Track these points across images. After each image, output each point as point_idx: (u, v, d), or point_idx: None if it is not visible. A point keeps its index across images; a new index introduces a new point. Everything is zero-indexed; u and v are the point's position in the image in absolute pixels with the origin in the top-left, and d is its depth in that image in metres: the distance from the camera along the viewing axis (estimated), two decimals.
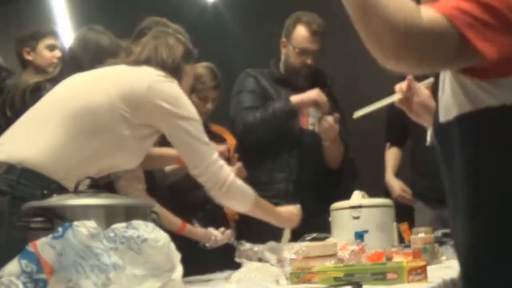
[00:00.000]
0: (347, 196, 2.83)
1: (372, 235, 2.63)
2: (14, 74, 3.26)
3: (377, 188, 3.37)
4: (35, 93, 2.57)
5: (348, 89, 3.92)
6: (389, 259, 2.26)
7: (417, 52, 1.17)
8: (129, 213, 1.43)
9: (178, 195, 2.86)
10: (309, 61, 3.31)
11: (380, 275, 1.69)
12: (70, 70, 2.58)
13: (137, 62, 2.20)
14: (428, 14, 1.18)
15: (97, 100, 2.04)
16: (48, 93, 2.19)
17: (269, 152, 3.23)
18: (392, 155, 3.52)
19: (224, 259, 2.49)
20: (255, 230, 2.67)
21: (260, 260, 2.27)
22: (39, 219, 1.38)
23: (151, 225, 1.15)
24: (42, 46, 3.32)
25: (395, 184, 3.45)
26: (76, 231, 1.07)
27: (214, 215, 2.96)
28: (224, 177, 2.19)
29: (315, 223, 2.80)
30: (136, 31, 3.00)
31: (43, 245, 1.06)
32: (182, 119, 2.11)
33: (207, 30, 5.10)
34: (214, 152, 2.20)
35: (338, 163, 3.35)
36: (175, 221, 2.49)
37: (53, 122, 2.00)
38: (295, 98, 3.19)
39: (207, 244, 2.61)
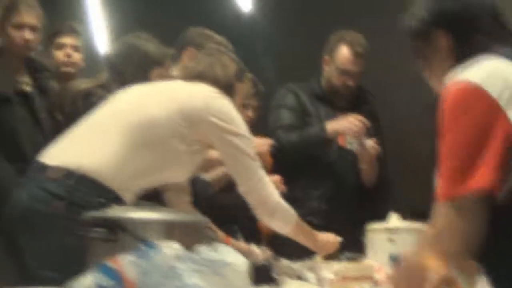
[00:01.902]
0: (380, 216, 2.83)
1: None
2: (56, 74, 3.32)
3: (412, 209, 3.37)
4: (87, 99, 2.61)
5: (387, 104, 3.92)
6: None
7: None
8: (187, 229, 1.47)
9: (215, 206, 2.87)
10: (350, 82, 3.36)
11: None
12: (114, 77, 2.64)
13: (192, 78, 2.27)
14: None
15: (156, 115, 2.11)
16: (106, 102, 2.26)
17: (304, 169, 3.28)
18: None
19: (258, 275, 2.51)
20: (287, 246, 2.68)
21: (299, 278, 2.31)
22: (101, 229, 1.41)
23: (232, 250, 1.17)
24: (53, 46, 3.39)
25: None
26: (161, 252, 1.09)
27: (249, 229, 2.98)
28: (270, 197, 2.24)
29: (347, 242, 2.82)
30: (180, 41, 3.08)
31: (126, 263, 1.08)
32: (234, 136, 2.17)
33: (241, 39, 5.16)
34: (262, 170, 2.24)
35: (373, 183, 3.36)
36: (219, 234, 2.51)
37: (112, 132, 2.07)
38: (331, 126, 3.24)
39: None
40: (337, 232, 3.12)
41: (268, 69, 4.54)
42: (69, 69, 3.38)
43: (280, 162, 3.24)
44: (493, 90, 1.47)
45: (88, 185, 1.97)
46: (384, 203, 3.30)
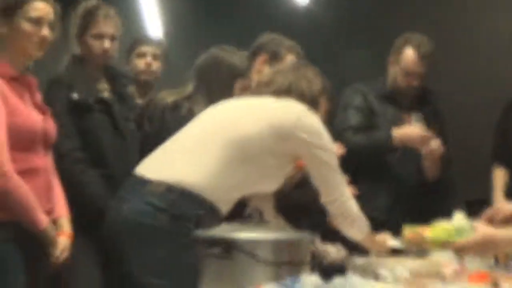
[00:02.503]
0: (445, 213, 2.97)
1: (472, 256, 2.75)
2: (134, 80, 3.48)
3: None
4: (175, 111, 2.73)
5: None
6: (495, 284, 2.43)
7: None
8: (293, 246, 1.66)
9: (290, 204, 3.02)
10: (415, 83, 3.48)
11: None
12: (201, 89, 2.78)
13: (280, 92, 2.40)
14: None
15: (250, 132, 2.27)
16: (201, 117, 2.43)
17: (370, 168, 3.42)
18: (499, 176, 3.48)
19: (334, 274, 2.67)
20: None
21: (375, 276, 2.47)
22: (216, 249, 1.61)
23: (360, 277, 1.37)
24: (133, 54, 3.55)
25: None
26: (303, 283, 1.29)
27: (321, 223, 3.14)
28: (351, 210, 2.40)
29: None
30: (254, 46, 3.21)
31: None
32: (322, 150, 2.32)
33: (298, 33, 5.23)
34: (344, 182, 2.40)
35: (436, 181, 3.50)
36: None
37: (210, 149, 2.25)
38: (398, 134, 3.37)
39: (324, 262, 2.75)
40: (401, 227, 3.30)
41: (327, 66, 4.69)
42: (148, 77, 3.55)
43: (347, 162, 3.42)
44: None
45: (188, 199, 2.15)
46: (446, 200, 3.46)
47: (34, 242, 2.23)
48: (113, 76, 2.99)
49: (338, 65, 4.47)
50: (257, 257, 1.59)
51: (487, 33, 4.02)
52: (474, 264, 2.60)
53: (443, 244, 2.09)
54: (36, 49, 2.34)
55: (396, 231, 3.22)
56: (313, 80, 2.48)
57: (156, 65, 3.57)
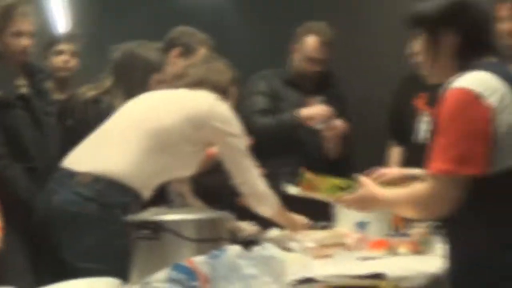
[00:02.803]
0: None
1: (372, 225, 3.05)
2: (51, 76, 3.58)
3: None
4: (96, 105, 2.90)
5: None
6: (393, 249, 2.75)
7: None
8: (213, 224, 1.90)
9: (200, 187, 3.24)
10: (317, 68, 3.78)
11: None
12: (119, 83, 2.95)
13: (193, 85, 2.65)
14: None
15: (167, 122, 2.50)
16: (121, 110, 2.63)
17: (277, 148, 3.69)
18: (394, 152, 3.85)
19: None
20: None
21: (284, 248, 2.74)
22: (146, 231, 1.83)
23: (274, 247, 1.62)
24: (51, 52, 3.70)
25: None
26: (227, 252, 1.53)
27: (232, 205, 3.38)
28: (259, 187, 2.66)
29: (319, 212, 3.25)
30: (166, 41, 3.41)
31: (200, 262, 1.51)
32: (233, 137, 2.58)
33: (212, 26, 5.43)
34: (253, 164, 2.65)
35: (338, 159, 3.82)
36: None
37: (131, 140, 2.46)
38: (302, 113, 3.66)
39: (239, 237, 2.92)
40: (308, 203, 3.57)
41: (238, 56, 4.91)
42: (65, 74, 3.71)
43: (255, 143, 3.68)
44: (486, 95, 1.84)
45: (114, 188, 2.36)
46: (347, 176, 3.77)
47: None
48: (31, 72, 3.09)
49: (241, 53, 4.76)
50: (182, 236, 1.81)
51: (381, 20, 4.38)
52: (374, 233, 2.97)
53: (331, 195, 2.30)
54: None
55: (306, 209, 3.53)
56: (223, 71, 2.74)
57: (73, 62, 3.73)
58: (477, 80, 1.87)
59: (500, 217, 1.86)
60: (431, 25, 1.99)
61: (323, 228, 3.13)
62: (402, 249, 2.78)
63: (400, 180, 2.35)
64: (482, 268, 1.85)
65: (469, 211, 1.86)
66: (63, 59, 3.69)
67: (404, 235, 2.91)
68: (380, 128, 4.02)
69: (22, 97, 2.95)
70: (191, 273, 1.50)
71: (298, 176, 2.45)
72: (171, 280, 1.51)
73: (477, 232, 1.87)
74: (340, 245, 2.86)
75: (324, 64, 3.80)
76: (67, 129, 2.98)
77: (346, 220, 3.09)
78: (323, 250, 2.72)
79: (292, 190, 2.54)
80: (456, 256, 1.93)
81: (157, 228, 1.85)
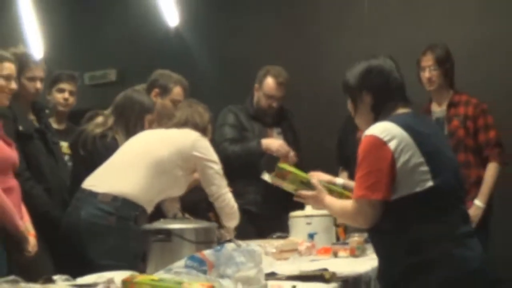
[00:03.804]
0: (301, 206, 3.85)
1: (319, 236, 3.75)
2: (53, 112, 4.33)
3: None
4: (103, 139, 3.59)
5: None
6: (335, 254, 3.54)
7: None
8: (207, 231, 2.71)
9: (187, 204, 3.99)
10: (274, 104, 4.60)
11: None
12: (120, 122, 3.65)
13: (179, 125, 3.46)
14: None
15: (163, 155, 3.30)
16: (128, 146, 3.41)
17: (243, 170, 4.39)
18: (342, 176, 4.33)
19: None
20: None
21: None
22: (161, 236, 2.63)
23: (254, 244, 2.42)
24: (55, 89, 4.38)
25: None
26: (226, 247, 2.32)
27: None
28: (229, 203, 3.45)
29: (276, 225, 4.06)
30: (148, 82, 4.15)
31: (208, 254, 2.30)
32: (211, 163, 3.39)
33: (172, 53, 6.17)
34: (226, 185, 3.45)
35: None
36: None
37: (137, 168, 3.27)
38: (265, 143, 4.43)
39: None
40: (268, 218, 4.36)
41: (201, 80, 5.48)
42: (65, 109, 4.42)
43: (225, 167, 4.43)
44: (387, 140, 2.38)
45: (128, 204, 3.16)
46: None
47: (13, 240, 3.11)
48: (38, 109, 3.87)
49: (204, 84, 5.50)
50: (186, 239, 2.62)
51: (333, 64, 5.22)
52: (321, 242, 3.70)
53: (294, 189, 2.80)
54: (6, 98, 3.22)
55: (266, 222, 4.29)
56: (203, 113, 3.56)
57: (71, 100, 4.43)
58: (381, 129, 2.44)
59: (402, 229, 2.43)
60: (349, 91, 2.64)
61: (281, 237, 3.86)
62: (342, 254, 3.53)
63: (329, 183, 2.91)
64: (392, 266, 2.47)
65: (382, 226, 2.47)
66: (64, 97, 4.39)
67: (345, 243, 3.64)
68: (329, 155, 4.84)
69: (37, 130, 3.70)
70: (202, 261, 2.27)
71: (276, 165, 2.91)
72: (187, 266, 2.29)
73: (388, 241, 2.49)
74: (295, 250, 3.55)
75: (280, 101, 4.61)
76: (79, 158, 3.68)
77: (299, 232, 3.79)
78: (281, 254, 3.44)
79: (266, 177, 2.95)
80: (378, 257, 2.63)
81: (169, 233, 2.65)
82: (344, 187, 2.91)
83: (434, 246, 2.40)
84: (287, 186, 2.84)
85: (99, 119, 3.71)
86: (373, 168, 2.43)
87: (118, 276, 2.49)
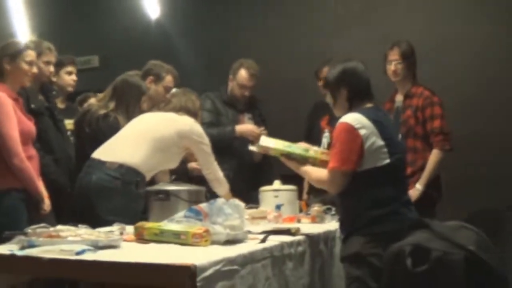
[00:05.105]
0: (270, 182, 4.56)
1: (285, 207, 4.31)
2: (59, 93, 4.91)
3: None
4: (106, 119, 4.23)
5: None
6: (299, 220, 4.25)
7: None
8: (198, 192, 3.44)
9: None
10: (246, 93, 5.33)
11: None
12: (120, 104, 4.32)
13: (176, 110, 4.15)
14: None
15: (163, 133, 3.99)
16: (133, 124, 4.08)
17: (219, 151, 4.90)
18: None
19: None
20: None
21: None
22: (161, 195, 3.34)
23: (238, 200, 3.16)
24: (63, 72, 5.01)
25: None
26: (217, 201, 3.03)
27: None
28: (219, 176, 4.17)
29: (246, 198, 4.69)
30: (143, 71, 4.82)
31: (203, 206, 3.01)
32: (202, 144, 4.10)
33: (153, 43, 6.82)
34: (215, 161, 4.15)
35: (261, 162, 5.33)
36: None
37: (140, 143, 3.94)
38: (239, 128, 5.15)
39: None
40: (240, 191, 5.06)
41: (182, 70, 6.14)
42: (72, 89, 5.07)
43: None
44: (358, 127, 3.13)
45: (131, 171, 3.84)
46: (268, 174, 5.12)
47: (33, 200, 3.78)
48: (47, 90, 4.52)
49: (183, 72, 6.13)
50: (182, 198, 3.36)
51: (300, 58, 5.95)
52: (286, 212, 4.31)
53: (280, 154, 3.43)
54: (28, 81, 3.88)
55: (238, 196, 4.96)
56: (195, 100, 4.27)
57: (75, 81, 5.06)
58: (353, 118, 3.21)
59: (366, 192, 3.19)
60: (330, 85, 3.40)
61: (252, 207, 4.38)
62: (304, 220, 4.21)
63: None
64: (356, 219, 3.21)
65: (349, 192, 3.22)
66: (73, 79, 5.03)
67: (307, 214, 4.33)
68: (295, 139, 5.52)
69: (46, 108, 4.35)
70: (198, 212, 2.98)
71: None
72: (187, 216, 3.00)
73: (354, 200, 3.23)
74: (264, 218, 4.09)
75: (252, 90, 5.34)
76: (85, 136, 4.32)
77: (268, 203, 4.36)
78: (253, 220, 4.01)
79: (253, 148, 3.60)
80: (343, 213, 3.39)
81: (167, 194, 3.38)
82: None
83: (387, 205, 3.20)
84: (274, 152, 3.49)
85: (94, 100, 4.39)
86: (345, 147, 3.20)
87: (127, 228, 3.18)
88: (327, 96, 3.49)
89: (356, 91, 3.34)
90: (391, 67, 4.85)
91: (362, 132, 3.19)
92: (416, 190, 4.70)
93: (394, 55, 4.85)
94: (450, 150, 4.78)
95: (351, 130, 3.20)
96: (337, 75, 3.37)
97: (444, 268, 2.56)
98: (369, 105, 3.34)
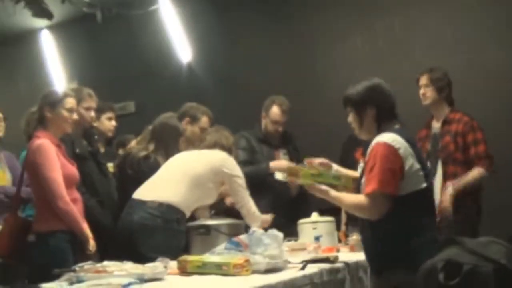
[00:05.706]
0: (304, 216, 4.54)
1: (324, 238, 4.32)
2: (101, 137, 5.09)
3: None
4: (146, 161, 4.40)
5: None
6: (338, 250, 4.31)
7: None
8: (237, 226, 3.56)
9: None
10: (280, 129, 5.48)
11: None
12: (159, 146, 4.46)
13: (209, 146, 4.32)
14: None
15: (199, 171, 4.14)
16: (171, 163, 4.24)
17: (256, 188, 4.99)
18: None
19: None
20: None
21: None
22: (202, 230, 3.48)
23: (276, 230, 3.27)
24: (104, 117, 5.21)
25: None
26: (256, 232, 3.16)
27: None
28: (252, 210, 4.25)
29: (285, 232, 4.75)
30: (179, 113, 4.99)
31: (243, 237, 3.14)
32: (236, 177, 4.23)
33: (184, 88, 6.99)
34: (247, 194, 4.26)
35: (297, 196, 5.38)
36: None
37: (179, 181, 4.10)
38: (272, 164, 5.22)
39: None
40: (279, 226, 5.13)
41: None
42: (112, 134, 5.28)
43: None
44: (397, 147, 2.93)
45: (171, 209, 3.99)
46: (306, 208, 5.08)
47: (78, 241, 3.94)
48: (89, 135, 4.69)
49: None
50: (222, 232, 3.49)
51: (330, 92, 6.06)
52: (325, 243, 4.31)
53: (308, 183, 3.23)
54: (70, 127, 4.07)
55: (277, 228, 5.05)
56: (228, 137, 4.43)
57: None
58: (391, 138, 3.01)
59: (403, 219, 2.99)
60: (355, 104, 3.13)
61: (291, 240, 4.43)
62: (343, 250, 4.27)
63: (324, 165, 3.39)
64: (393, 248, 3.00)
65: (387, 218, 2.97)
66: (112, 124, 5.25)
67: (346, 243, 4.39)
68: None
69: (90, 152, 4.52)
70: (238, 244, 3.10)
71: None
72: (227, 248, 3.12)
73: (390, 228, 3.01)
74: (304, 249, 4.13)
75: (284, 126, 5.47)
76: (127, 177, 4.47)
77: (307, 235, 4.39)
78: (292, 252, 4.06)
79: (280, 176, 3.50)
80: (374, 249, 3.14)
81: (208, 228, 3.52)
82: (338, 171, 3.44)
83: (426, 232, 3.04)
84: (302, 181, 3.28)
85: (134, 143, 4.57)
86: (386, 168, 2.96)
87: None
88: (349, 118, 3.24)
89: (385, 110, 3.13)
90: (421, 91, 4.95)
91: (401, 152, 3.00)
92: (447, 192, 4.65)
93: (423, 80, 4.95)
94: (493, 172, 4.74)
95: (391, 150, 2.99)
96: (363, 93, 3.14)
97: (475, 280, 2.56)
98: (397, 125, 3.14)
